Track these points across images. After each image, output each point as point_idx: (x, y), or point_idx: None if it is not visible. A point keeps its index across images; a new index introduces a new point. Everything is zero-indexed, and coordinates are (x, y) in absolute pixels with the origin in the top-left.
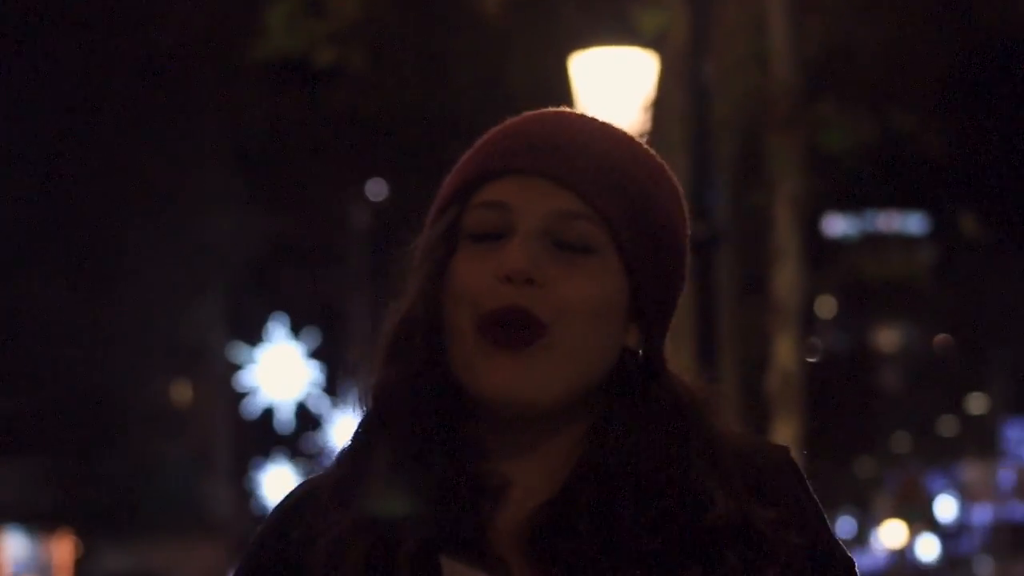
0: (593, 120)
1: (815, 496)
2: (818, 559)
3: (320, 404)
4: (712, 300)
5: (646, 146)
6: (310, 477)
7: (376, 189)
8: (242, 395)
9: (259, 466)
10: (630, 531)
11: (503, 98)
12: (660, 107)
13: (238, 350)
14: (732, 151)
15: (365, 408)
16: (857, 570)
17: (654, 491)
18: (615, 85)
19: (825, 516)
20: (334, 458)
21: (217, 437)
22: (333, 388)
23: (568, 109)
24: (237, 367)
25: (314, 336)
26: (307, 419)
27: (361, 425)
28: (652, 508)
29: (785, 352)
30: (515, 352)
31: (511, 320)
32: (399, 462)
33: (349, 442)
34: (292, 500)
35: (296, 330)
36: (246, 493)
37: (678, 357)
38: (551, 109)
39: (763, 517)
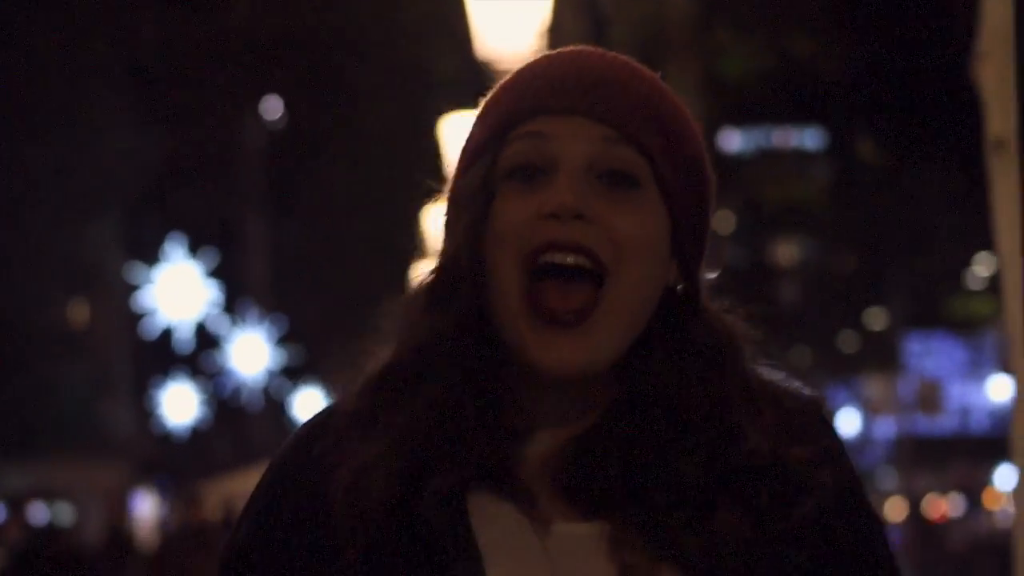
0: (616, 57)
1: (844, 444)
2: (848, 502)
3: (219, 323)
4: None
5: (667, 87)
6: (327, 406)
7: (271, 107)
8: (141, 315)
9: (159, 385)
10: (662, 462)
11: (400, 18)
12: (556, 33)
13: (136, 270)
14: None
15: (397, 351)
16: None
17: (689, 424)
18: (512, 11)
19: (855, 465)
20: (353, 389)
21: (116, 357)
22: (232, 307)
23: (587, 47)
24: (135, 287)
25: (212, 255)
26: (206, 339)
27: (391, 368)
28: (686, 440)
29: None
30: (570, 328)
31: (565, 265)
32: (429, 404)
33: (374, 379)
34: (313, 424)
35: (194, 250)
36: (146, 412)
37: None
38: (570, 48)
39: (795, 455)
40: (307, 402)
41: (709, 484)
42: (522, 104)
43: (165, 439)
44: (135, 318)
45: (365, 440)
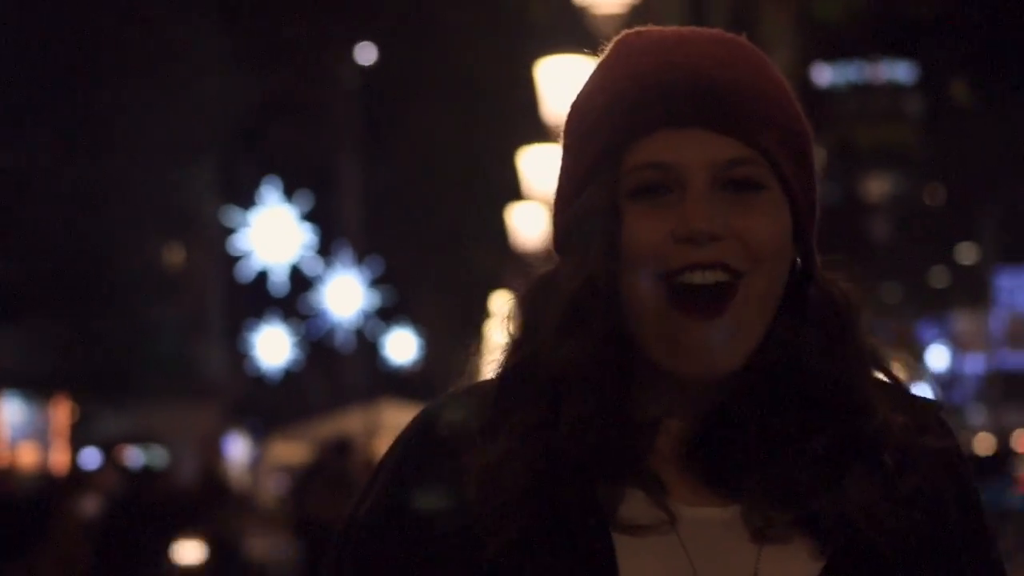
0: (718, 42)
1: (962, 449)
2: (965, 505)
3: (313, 266)
4: None
5: (759, 51)
6: (452, 391)
7: (365, 50)
8: (236, 258)
9: (253, 328)
10: (791, 438)
11: None
12: None
13: (231, 213)
14: (726, 18)
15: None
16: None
17: (816, 397)
18: None
19: (972, 474)
20: (480, 384)
21: (210, 300)
22: (326, 250)
23: (684, 30)
24: (230, 230)
25: (307, 199)
26: (301, 282)
27: (523, 368)
28: (814, 414)
29: None
30: (710, 320)
31: (705, 285)
32: (561, 401)
33: (505, 375)
34: (440, 407)
35: (289, 193)
36: (240, 355)
37: None
38: (667, 34)
39: (899, 423)
40: (399, 343)
41: (839, 455)
42: (636, 119)
43: (259, 381)
44: (229, 261)
45: (495, 434)
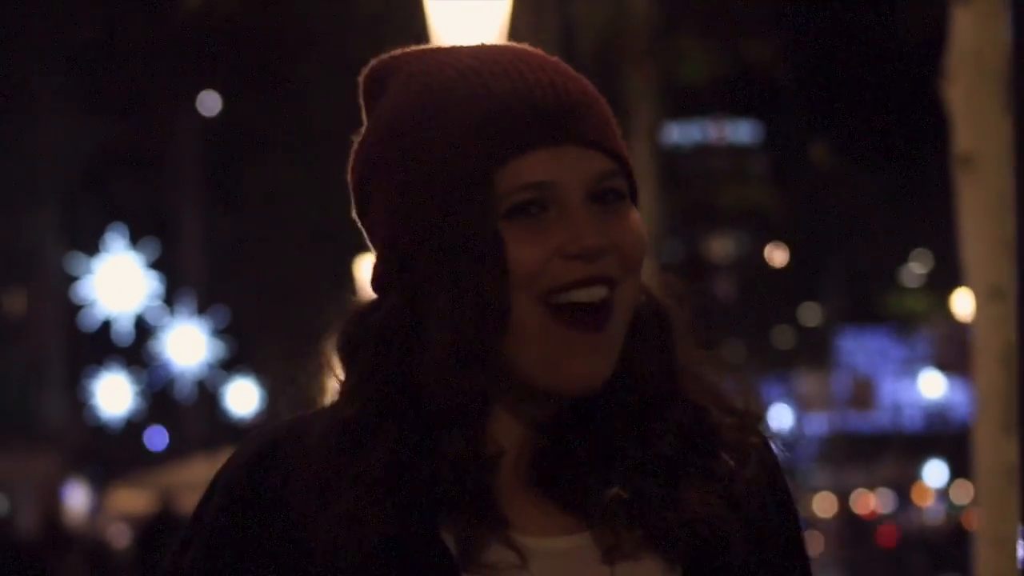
0: (539, 55)
1: (778, 458)
2: (771, 470)
3: (158, 315)
4: None
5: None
6: (267, 432)
7: (209, 100)
8: (76, 306)
9: (94, 375)
10: (629, 447)
11: (346, 17)
12: (516, 36)
13: (75, 260)
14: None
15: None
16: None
17: (649, 401)
18: (471, 11)
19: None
20: (309, 426)
21: (51, 347)
22: (170, 299)
23: (521, 47)
24: (72, 277)
25: (152, 247)
26: (145, 331)
27: (380, 426)
28: (649, 421)
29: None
30: (595, 334)
31: (591, 302)
32: (403, 445)
33: (342, 423)
34: (261, 448)
35: (134, 241)
36: (80, 404)
37: None
38: (511, 51)
39: (729, 423)
40: (240, 394)
41: (678, 462)
42: (509, 140)
43: (99, 430)
44: (71, 308)
45: (335, 489)
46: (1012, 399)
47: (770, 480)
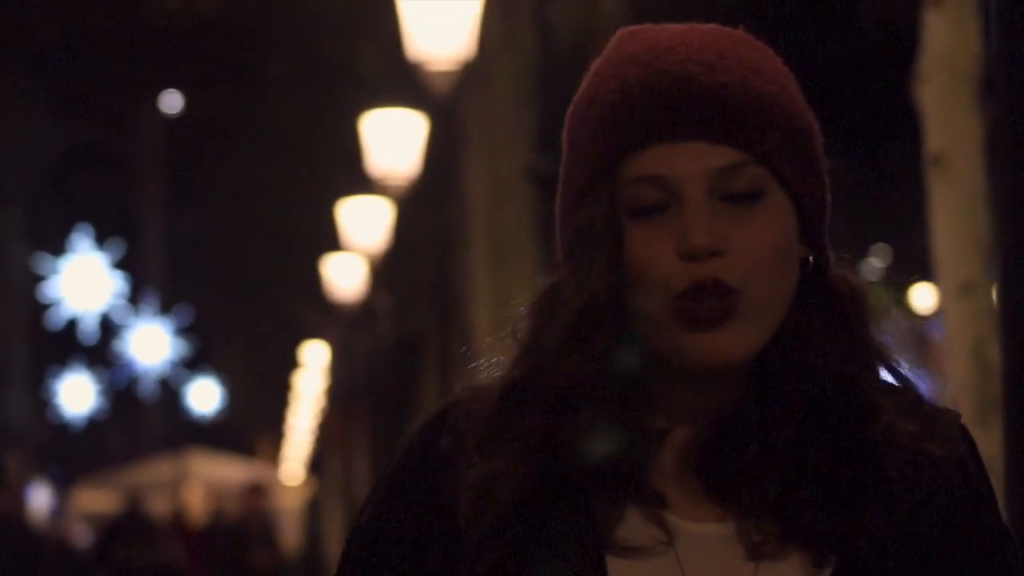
0: (709, 44)
1: (982, 460)
2: (967, 480)
3: (123, 314)
4: (553, 236)
5: (758, 45)
6: (448, 400)
7: (171, 99)
8: (40, 305)
9: (57, 375)
10: (795, 448)
11: (314, 15)
12: (488, 36)
13: (40, 260)
14: (570, 84)
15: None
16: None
17: (821, 400)
18: (444, 11)
19: (990, 482)
20: (477, 394)
21: (15, 347)
22: (135, 298)
23: (673, 30)
24: (38, 277)
25: (118, 247)
26: (110, 330)
27: (522, 382)
28: (818, 421)
29: None
30: (713, 331)
31: (705, 294)
32: (560, 413)
33: (503, 388)
34: (438, 417)
35: (100, 241)
36: (43, 403)
37: None
38: (658, 34)
39: (906, 429)
40: (202, 393)
41: (840, 465)
42: (627, 133)
43: (62, 429)
44: (35, 307)
45: (493, 448)
46: (984, 392)
47: (965, 496)
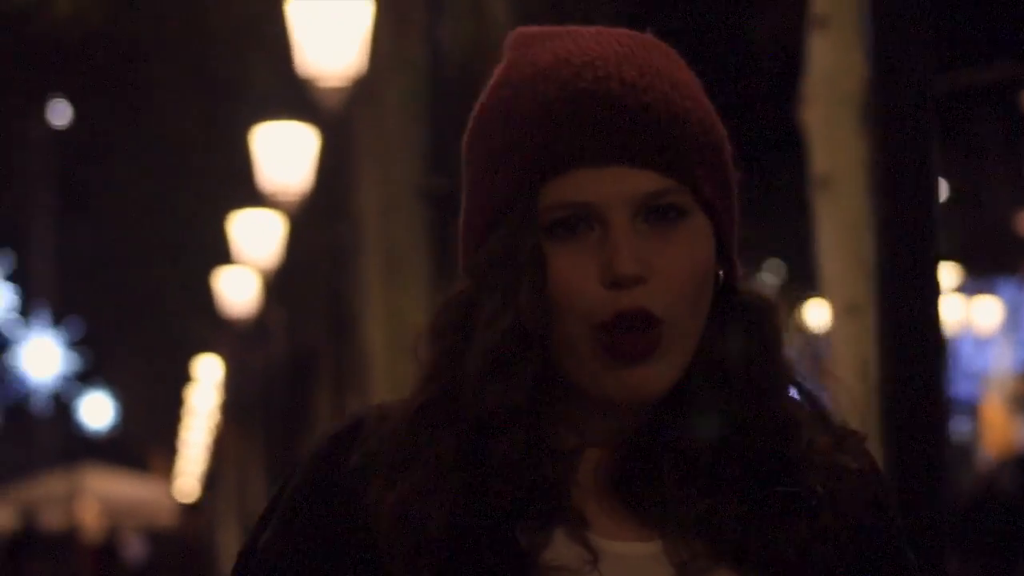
0: (625, 57)
1: (888, 479)
2: (879, 498)
3: (13, 328)
4: (447, 252)
5: (669, 52)
6: (355, 416)
7: (59, 109)
8: None
9: None
10: (714, 461)
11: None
12: (378, 51)
13: None
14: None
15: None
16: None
17: (736, 414)
18: (334, 26)
19: (895, 501)
20: (391, 412)
21: None
22: (25, 311)
23: (581, 37)
24: None
25: (6, 259)
26: (0, 343)
27: (440, 401)
28: (735, 435)
29: None
30: (635, 364)
31: (629, 325)
32: (479, 431)
33: (419, 407)
34: (345, 433)
35: None
36: None
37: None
38: (562, 42)
39: (823, 443)
40: (94, 407)
41: (762, 480)
42: (549, 157)
43: None
44: None
45: (406, 469)
46: (868, 413)
47: (868, 507)
